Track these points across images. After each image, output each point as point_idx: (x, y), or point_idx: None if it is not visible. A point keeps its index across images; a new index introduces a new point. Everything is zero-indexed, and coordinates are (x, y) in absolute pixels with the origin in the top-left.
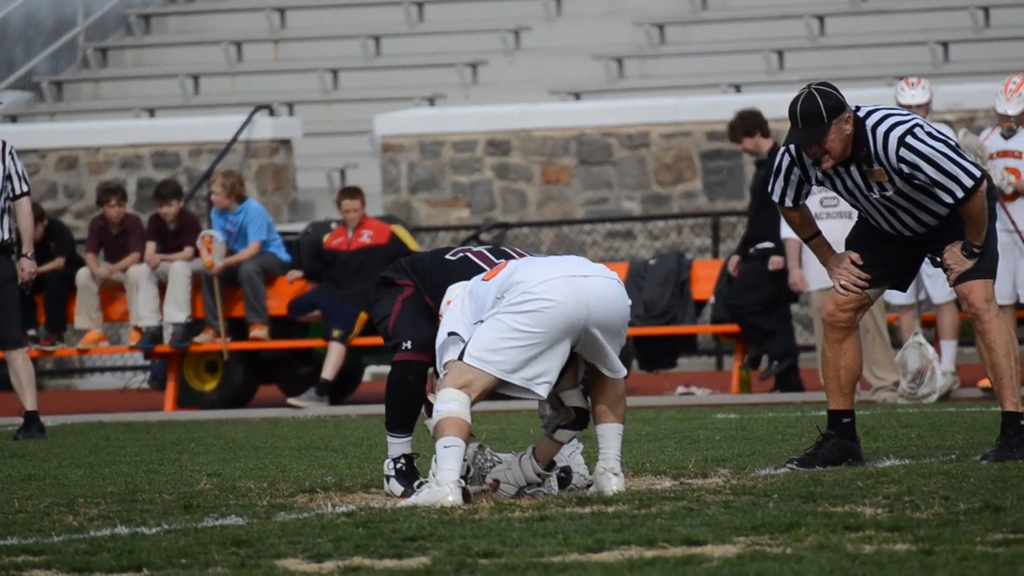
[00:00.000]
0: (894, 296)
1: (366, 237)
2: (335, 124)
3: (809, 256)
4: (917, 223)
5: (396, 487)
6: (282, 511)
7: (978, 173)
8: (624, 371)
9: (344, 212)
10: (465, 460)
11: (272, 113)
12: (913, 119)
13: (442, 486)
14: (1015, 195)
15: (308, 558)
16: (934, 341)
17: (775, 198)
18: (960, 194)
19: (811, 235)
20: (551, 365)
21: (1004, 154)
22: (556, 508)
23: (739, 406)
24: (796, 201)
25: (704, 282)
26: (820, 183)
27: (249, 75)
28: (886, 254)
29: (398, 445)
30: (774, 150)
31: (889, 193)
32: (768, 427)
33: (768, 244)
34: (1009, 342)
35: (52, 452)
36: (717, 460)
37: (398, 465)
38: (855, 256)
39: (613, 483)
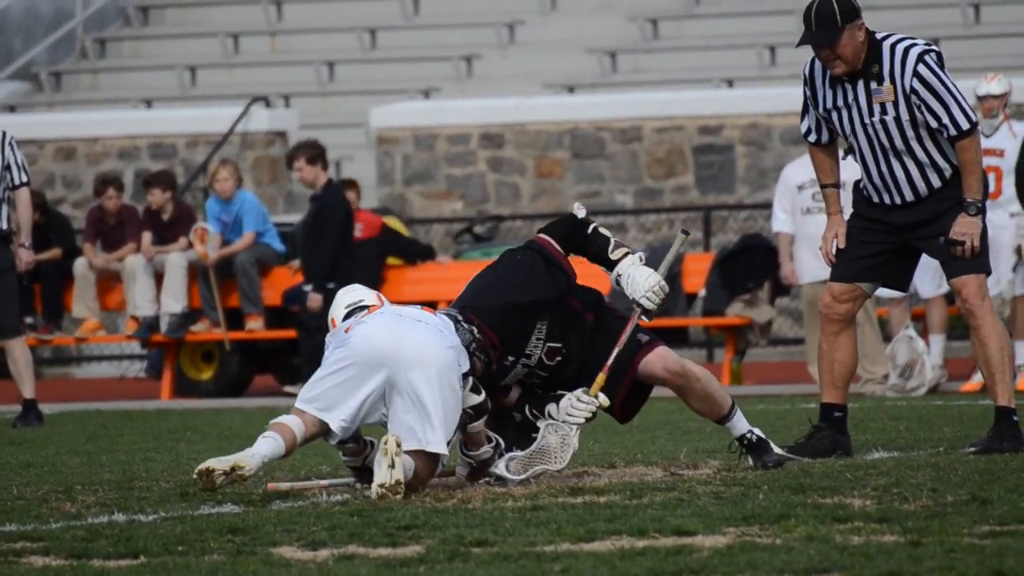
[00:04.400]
0: (883, 290)
1: (358, 230)
2: (331, 116)
3: (800, 250)
4: (908, 181)
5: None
6: (277, 499)
7: (975, 118)
8: (435, 447)
9: None
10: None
11: (268, 105)
12: (931, 44)
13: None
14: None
15: (303, 546)
16: (923, 335)
17: (802, 131)
18: (953, 132)
19: (828, 183)
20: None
21: (987, 152)
22: (548, 498)
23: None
24: (820, 140)
25: (695, 275)
26: (828, 111)
27: (246, 67)
28: (879, 245)
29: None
30: (328, 184)
31: (888, 117)
32: (758, 419)
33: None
34: (1003, 337)
35: (50, 440)
36: (707, 451)
37: None
38: (842, 233)
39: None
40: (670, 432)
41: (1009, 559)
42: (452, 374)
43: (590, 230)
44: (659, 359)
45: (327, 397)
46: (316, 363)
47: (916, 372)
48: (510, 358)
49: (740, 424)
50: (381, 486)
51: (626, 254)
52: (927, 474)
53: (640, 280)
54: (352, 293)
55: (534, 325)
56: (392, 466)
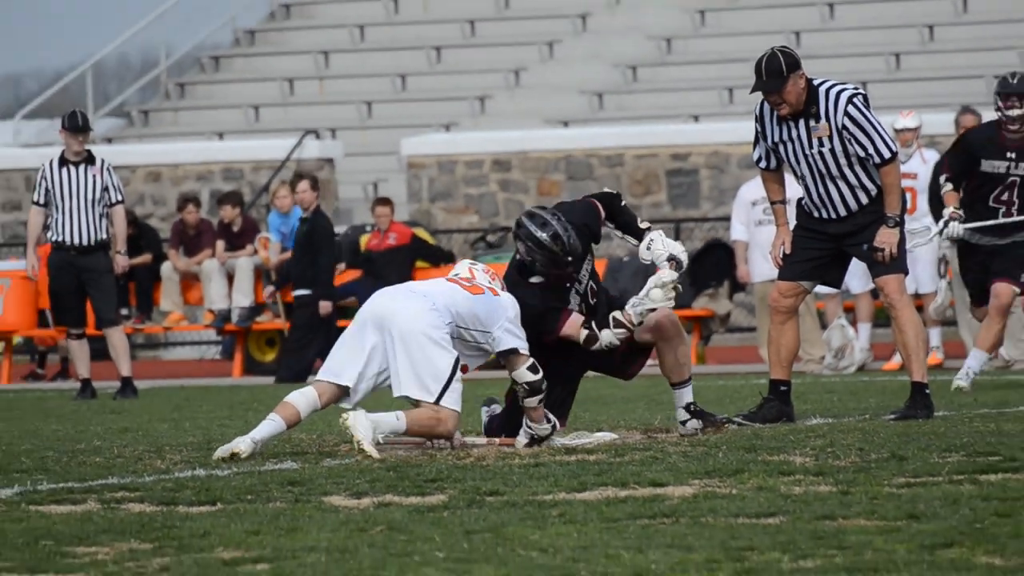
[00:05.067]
0: (821, 287)
1: (392, 239)
2: (369, 146)
3: (753, 255)
4: (841, 200)
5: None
6: (328, 458)
7: (895, 148)
8: (400, 391)
9: (377, 217)
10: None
11: (318, 137)
12: (858, 88)
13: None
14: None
15: (349, 495)
16: (853, 324)
17: (754, 159)
18: (878, 160)
19: (776, 200)
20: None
21: (903, 176)
22: (548, 456)
23: (695, 375)
24: (769, 166)
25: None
26: (775, 144)
27: (299, 106)
28: (817, 251)
29: None
30: (318, 208)
31: (825, 149)
32: (718, 392)
33: (305, 292)
34: (917, 325)
35: (143, 409)
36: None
37: None
38: (788, 241)
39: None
40: (647, 404)
41: (920, 504)
42: (433, 333)
43: (623, 203)
44: (664, 310)
45: (336, 363)
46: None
47: (847, 354)
48: (572, 271)
49: (687, 395)
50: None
51: (649, 227)
52: (855, 436)
53: (672, 242)
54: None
55: (587, 254)
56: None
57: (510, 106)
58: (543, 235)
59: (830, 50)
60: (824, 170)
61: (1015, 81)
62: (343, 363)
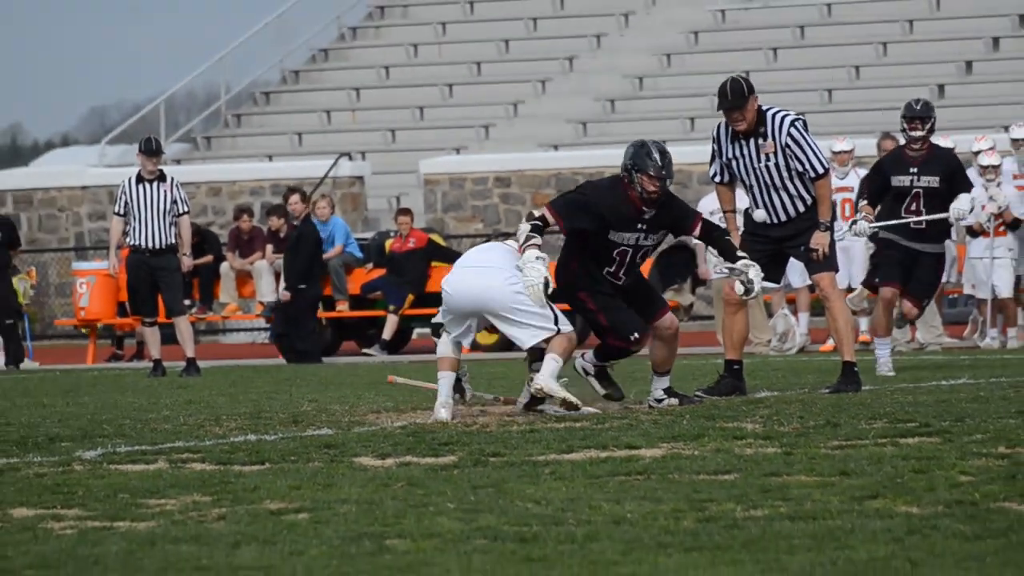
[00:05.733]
0: (765, 282)
1: (412, 243)
2: (393, 166)
3: (711, 256)
4: (782, 207)
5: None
6: (358, 426)
7: (828, 165)
8: (528, 343)
9: (399, 225)
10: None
11: (351, 158)
12: (799, 115)
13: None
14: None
15: (376, 456)
16: (795, 313)
17: (711, 175)
18: (813, 174)
19: (728, 209)
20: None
21: (842, 189)
22: (541, 424)
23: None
24: (723, 180)
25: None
26: (728, 160)
27: (335, 133)
28: (760, 253)
29: None
30: (306, 217)
31: (771, 164)
32: (684, 371)
33: (302, 286)
34: (846, 313)
35: (204, 385)
36: (648, 392)
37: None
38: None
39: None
40: (623, 380)
41: (851, 463)
42: (513, 291)
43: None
44: (671, 316)
45: (451, 328)
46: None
47: (789, 338)
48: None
49: (666, 382)
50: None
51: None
52: (797, 407)
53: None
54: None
55: (663, 229)
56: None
57: (510, 133)
58: (660, 147)
59: (773, 86)
60: (769, 181)
61: (919, 107)
62: (459, 332)
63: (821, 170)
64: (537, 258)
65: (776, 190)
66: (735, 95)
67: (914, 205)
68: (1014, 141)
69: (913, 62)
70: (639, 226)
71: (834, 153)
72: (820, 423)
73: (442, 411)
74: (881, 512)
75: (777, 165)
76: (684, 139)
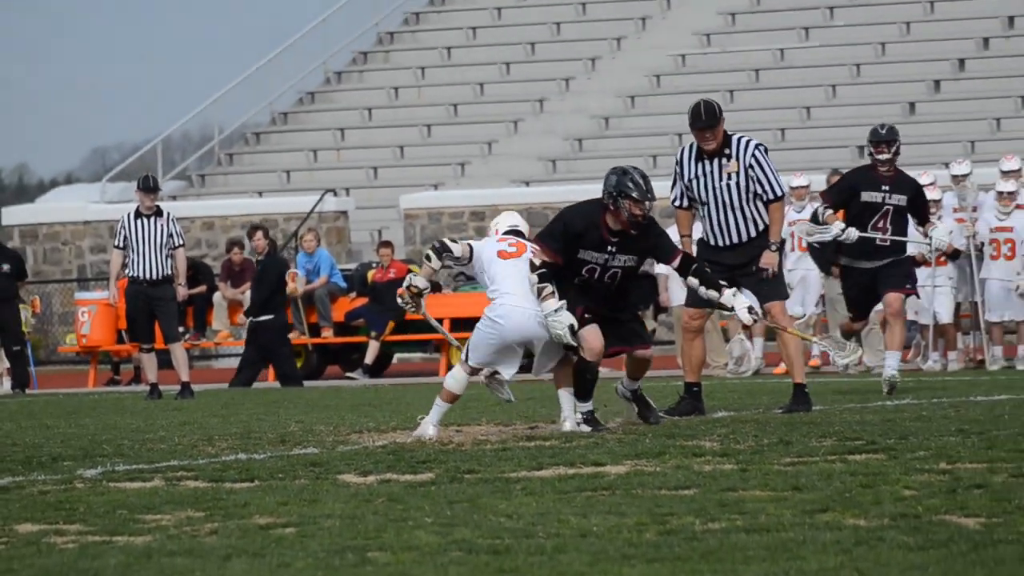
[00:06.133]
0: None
1: (392, 273)
2: (375, 202)
3: (672, 284)
4: (736, 229)
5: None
6: (342, 445)
7: (785, 190)
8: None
9: (380, 256)
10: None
11: (336, 194)
12: (759, 141)
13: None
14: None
15: (358, 474)
16: (750, 338)
17: (671, 199)
18: (771, 196)
19: (685, 234)
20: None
21: (796, 222)
22: (513, 443)
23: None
24: (682, 205)
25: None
26: (691, 180)
27: (321, 170)
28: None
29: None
30: (270, 251)
31: (732, 183)
32: (646, 392)
33: (268, 317)
34: (796, 339)
35: (198, 408)
36: (614, 413)
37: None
38: None
39: (567, 425)
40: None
41: (802, 478)
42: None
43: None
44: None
45: (491, 359)
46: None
47: (745, 361)
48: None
49: (636, 385)
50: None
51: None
52: (752, 426)
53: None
54: (514, 217)
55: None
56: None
57: (484, 170)
58: (640, 172)
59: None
60: (728, 201)
61: (884, 131)
62: (504, 363)
63: (780, 192)
64: (557, 310)
65: (733, 210)
66: (708, 115)
67: (881, 222)
68: (954, 177)
69: (860, 103)
70: (608, 248)
71: (792, 188)
72: (774, 441)
73: (430, 428)
74: (831, 525)
75: (738, 185)
76: (649, 175)
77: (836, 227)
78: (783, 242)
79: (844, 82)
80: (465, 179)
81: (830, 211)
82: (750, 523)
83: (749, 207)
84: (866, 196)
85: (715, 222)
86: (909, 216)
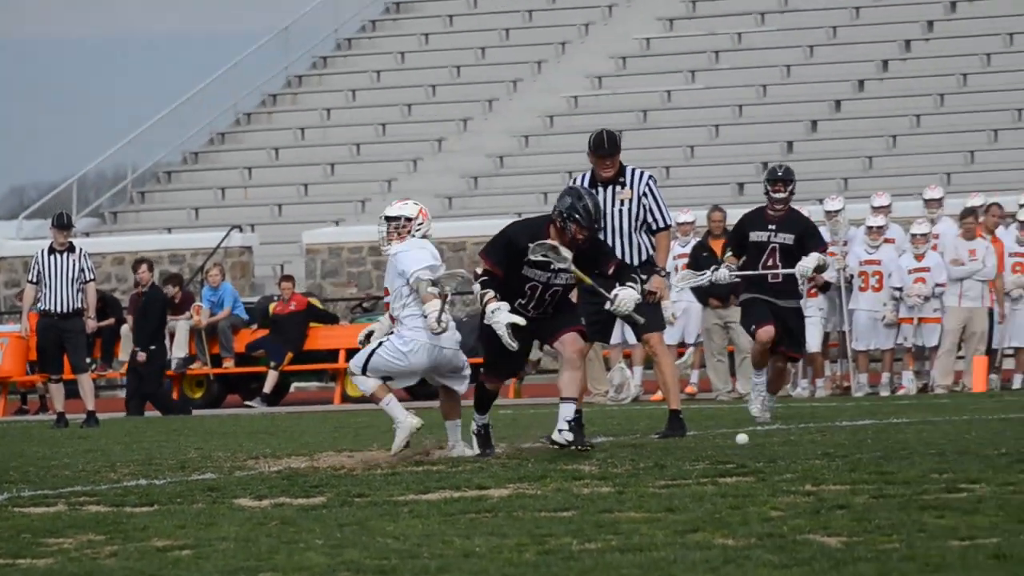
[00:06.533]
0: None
1: (293, 306)
2: (279, 237)
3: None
4: (623, 255)
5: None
6: (238, 470)
7: (672, 221)
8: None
9: (282, 290)
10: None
11: (241, 230)
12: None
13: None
14: None
15: (253, 498)
16: (630, 366)
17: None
18: (660, 225)
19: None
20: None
21: (681, 255)
22: (402, 467)
23: (513, 405)
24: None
25: None
26: None
27: (227, 207)
28: (596, 315)
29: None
30: (153, 284)
31: (624, 209)
32: (531, 419)
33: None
34: (673, 367)
35: (102, 435)
36: (499, 438)
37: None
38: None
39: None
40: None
41: (676, 500)
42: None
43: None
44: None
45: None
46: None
47: (625, 389)
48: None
49: (569, 411)
50: None
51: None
52: (629, 450)
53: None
54: (405, 206)
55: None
56: None
57: (383, 207)
58: (592, 198)
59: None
60: (618, 227)
61: (781, 172)
62: (401, 381)
63: (669, 222)
64: (495, 310)
65: (622, 237)
66: (611, 144)
67: (770, 260)
68: (827, 213)
69: (742, 142)
70: (551, 267)
71: (678, 224)
72: (650, 465)
73: (403, 430)
74: (701, 544)
75: (630, 212)
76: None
77: (708, 272)
78: (667, 274)
79: (726, 122)
80: (365, 215)
81: (730, 253)
82: (625, 543)
83: (637, 235)
84: (753, 236)
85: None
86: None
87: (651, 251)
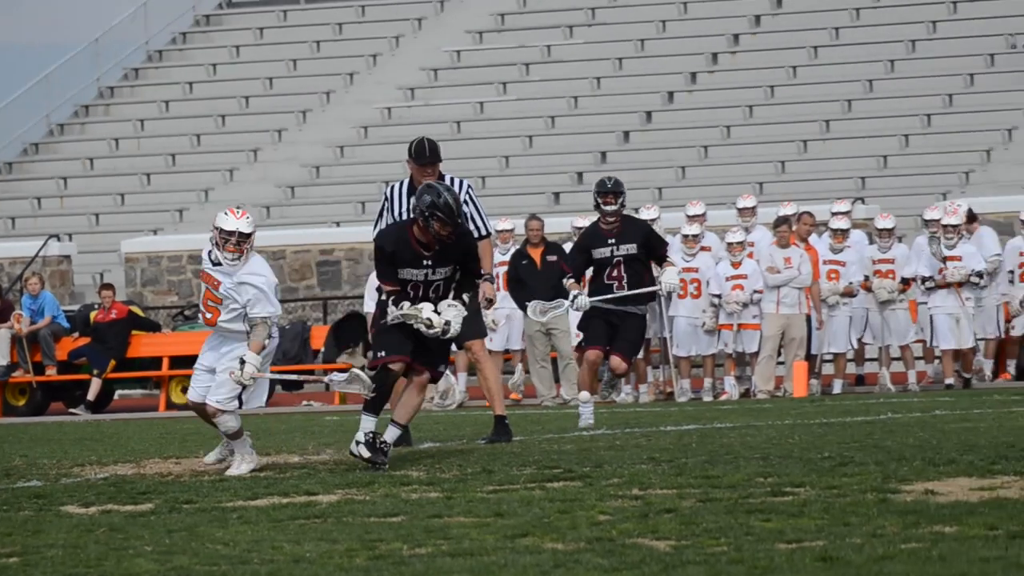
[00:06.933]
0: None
1: (114, 314)
2: (98, 246)
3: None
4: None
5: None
6: (65, 477)
7: (492, 230)
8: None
9: (102, 298)
10: None
11: (59, 240)
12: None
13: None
14: None
15: (80, 505)
16: (455, 372)
17: (375, 235)
18: (484, 232)
19: None
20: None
21: (501, 264)
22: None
23: (342, 413)
24: None
25: (318, 339)
26: (400, 213)
27: (46, 217)
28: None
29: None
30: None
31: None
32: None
33: None
34: (496, 374)
35: None
36: (326, 443)
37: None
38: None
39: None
40: (303, 434)
41: (504, 505)
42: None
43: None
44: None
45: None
46: None
47: (450, 395)
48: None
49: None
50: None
51: None
52: (457, 456)
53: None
54: (248, 224)
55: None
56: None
57: (202, 216)
58: (451, 194)
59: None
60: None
61: (611, 184)
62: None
63: (489, 231)
64: (403, 314)
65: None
66: (433, 153)
67: (615, 272)
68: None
69: (555, 152)
70: (424, 263)
71: (497, 231)
72: (477, 470)
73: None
74: (530, 548)
75: None
76: (355, 221)
77: (567, 302)
78: (492, 279)
79: (540, 133)
80: (183, 224)
81: (572, 280)
82: (455, 548)
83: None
84: (596, 253)
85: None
86: (647, 261)
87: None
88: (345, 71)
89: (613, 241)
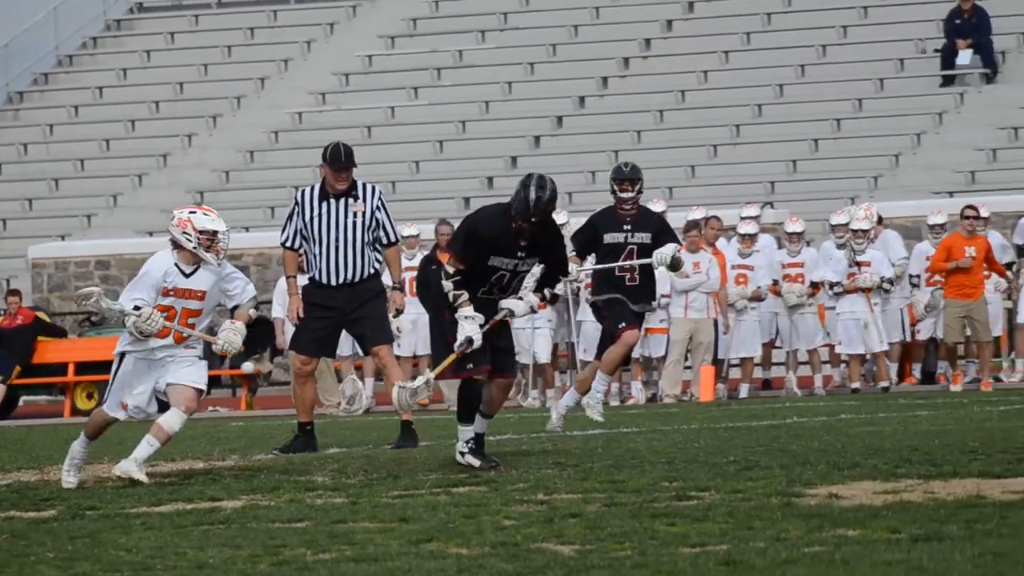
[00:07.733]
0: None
1: (20, 320)
2: (3, 252)
3: (288, 327)
4: (352, 267)
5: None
6: None
7: (398, 237)
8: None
9: (8, 304)
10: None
11: None
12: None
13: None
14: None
15: None
16: (362, 378)
17: (283, 239)
18: (393, 239)
19: (291, 274)
20: None
21: (408, 268)
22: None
23: (248, 418)
24: (293, 246)
25: None
26: (311, 218)
27: None
28: (323, 328)
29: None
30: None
31: (358, 221)
32: (263, 430)
33: None
34: (401, 378)
35: None
36: (232, 450)
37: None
38: (301, 307)
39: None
40: (208, 440)
41: (409, 510)
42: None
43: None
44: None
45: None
46: None
47: (357, 400)
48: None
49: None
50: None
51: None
52: (362, 461)
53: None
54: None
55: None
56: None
57: (110, 221)
58: (539, 186)
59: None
60: (351, 239)
61: (627, 170)
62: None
63: (396, 239)
64: (467, 318)
65: (354, 249)
66: (349, 158)
67: (627, 259)
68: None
69: (464, 157)
70: (519, 253)
71: (404, 237)
72: (383, 475)
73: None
74: (435, 553)
75: (363, 225)
76: (265, 225)
77: (573, 268)
78: (402, 287)
79: (450, 138)
80: (92, 230)
81: (574, 253)
82: (359, 553)
83: (367, 249)
84: (608, 238)
85: (332, 261)
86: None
87: (376, 266)
88: (257, 76)
89: (629, 228)
